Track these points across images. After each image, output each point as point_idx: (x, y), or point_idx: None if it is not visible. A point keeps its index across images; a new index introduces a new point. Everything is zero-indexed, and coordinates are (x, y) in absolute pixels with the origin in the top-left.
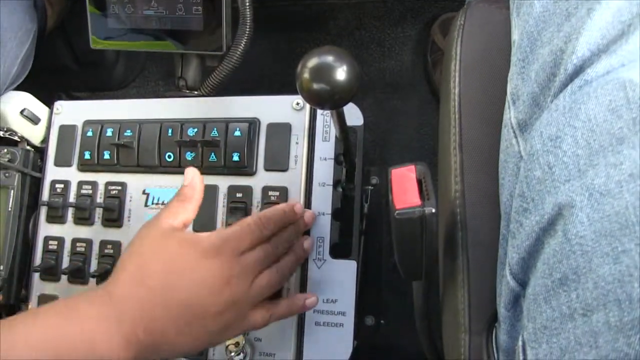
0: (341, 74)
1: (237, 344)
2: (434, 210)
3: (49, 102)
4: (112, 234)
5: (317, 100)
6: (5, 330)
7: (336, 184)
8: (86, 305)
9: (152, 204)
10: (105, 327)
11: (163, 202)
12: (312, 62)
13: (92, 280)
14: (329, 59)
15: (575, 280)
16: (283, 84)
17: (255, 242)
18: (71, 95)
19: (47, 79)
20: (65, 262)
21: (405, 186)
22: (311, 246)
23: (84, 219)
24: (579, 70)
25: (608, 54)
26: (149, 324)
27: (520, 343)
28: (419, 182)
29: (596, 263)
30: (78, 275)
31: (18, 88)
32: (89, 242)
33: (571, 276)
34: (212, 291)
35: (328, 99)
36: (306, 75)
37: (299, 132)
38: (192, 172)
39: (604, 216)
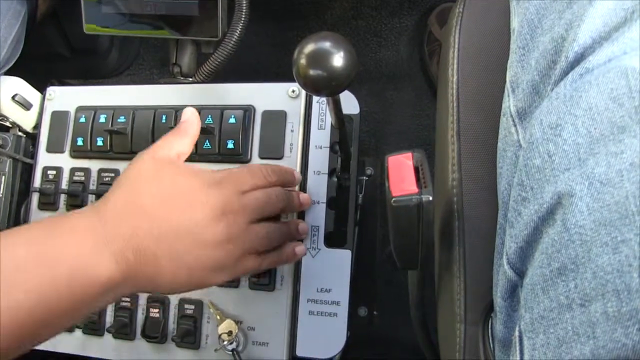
0: (338, 60)
1: (230, 333)
2: (431, 198)
3: (41, 89)
4: None
5: (313, 87)
6: None
7: (331, 172)
8: (73, 220)
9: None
10: (92, 242)
11: None
12: (309, 47)
13: None
14: (326, 44)
15: (573, 270)
16: (278, 73)
17: (258, 185)
18: (64, 82)
19: (40, 66)
20: None
21: (402, 173)
22: (305, 231)
23: (76, 206)
24: (580, 58)
25: (610, 41)
26: (140, 245)
27: (516, 333)
28: (416, 170)
29: (595, 253)
30: None
31: (9, 74)
32: None
33: (570, 266)
34: (208, 220)
35: (325, 85)
36: (303, 61)
37: (294, 120)
38: (189, 110)
39: (604, 205)
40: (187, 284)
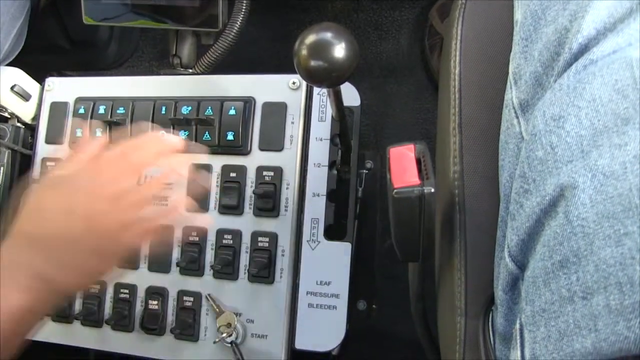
0: (340, 51)
1: (228, 325)
2: (433, 190)
3: (40, 81)
4: None
5: (314, 78)
6: None
7: (331, 165)
8: None
9: (145, 182)
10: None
11: None
12: (311, 38)
13: None
14: (328, 35)
15: (575, 263)
16: (278, 66)
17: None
18: (63, 74)
19: (39, 58)
20: None
21: (404, 165)
22: (185, 206)
23: None
24: (584, 50)
25: (615, 32)
26: (37, 267)
27: (517, 326)
28: (418, 162)
29: (598, 245)
30: None
31: (9, 66)
32: None
33: (572, 259)
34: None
35: (326, 76)
36: (304, 52)
37: (294, 112)
38: None
39: (607, 198)
40: (86, 278)
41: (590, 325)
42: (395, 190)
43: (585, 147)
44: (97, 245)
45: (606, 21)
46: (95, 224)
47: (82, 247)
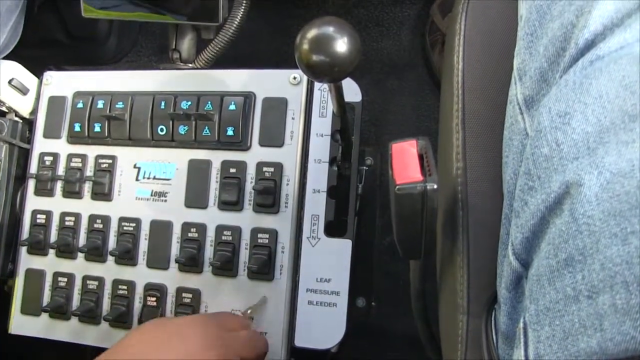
0: (342, 45)
1: None
2: (435, 187)
3: (38, 75)
4: (101, 208)
5: (315, 73)
6: None
7: (332, 161)
8: None
9: (143, 178)
10: None
11: (154, 176)
12: (312, 32)
13: (80, 255)
14: (330, 30)
15: (581, 261)
16: (278, 62)
17: None
18: (62, 68)
19: (38, 53)
20: (54, 236)
21: (406, 161)
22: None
23: (73, 192)
24: (590, 45)
25: (622, 28)
26: None
27: (521, 325)
28: (420, 157)
29: (604, 244)
30: (66, 249)
31: (7, 60)
32: (77, 216)
33: (577, 257)
34: None
35: (327, 71)
36: (305, 46)
37: (295, 107)
38: None
39: (614, 195)
40: None
41: (596, 325)
42: (397, 187)
43: (591, 144)
44: None
45: (613, 16)
46: None
47: None
